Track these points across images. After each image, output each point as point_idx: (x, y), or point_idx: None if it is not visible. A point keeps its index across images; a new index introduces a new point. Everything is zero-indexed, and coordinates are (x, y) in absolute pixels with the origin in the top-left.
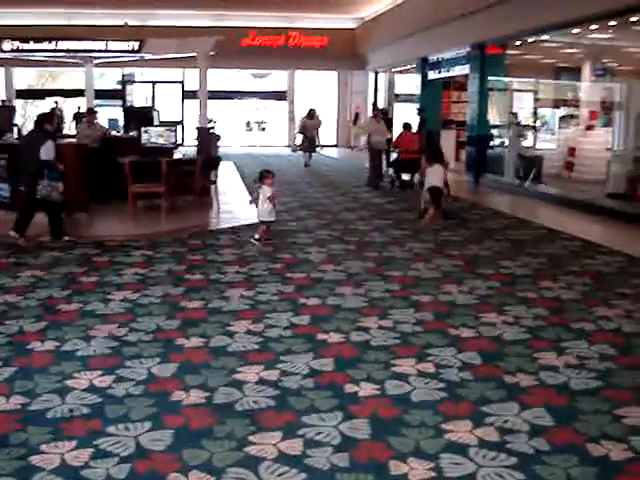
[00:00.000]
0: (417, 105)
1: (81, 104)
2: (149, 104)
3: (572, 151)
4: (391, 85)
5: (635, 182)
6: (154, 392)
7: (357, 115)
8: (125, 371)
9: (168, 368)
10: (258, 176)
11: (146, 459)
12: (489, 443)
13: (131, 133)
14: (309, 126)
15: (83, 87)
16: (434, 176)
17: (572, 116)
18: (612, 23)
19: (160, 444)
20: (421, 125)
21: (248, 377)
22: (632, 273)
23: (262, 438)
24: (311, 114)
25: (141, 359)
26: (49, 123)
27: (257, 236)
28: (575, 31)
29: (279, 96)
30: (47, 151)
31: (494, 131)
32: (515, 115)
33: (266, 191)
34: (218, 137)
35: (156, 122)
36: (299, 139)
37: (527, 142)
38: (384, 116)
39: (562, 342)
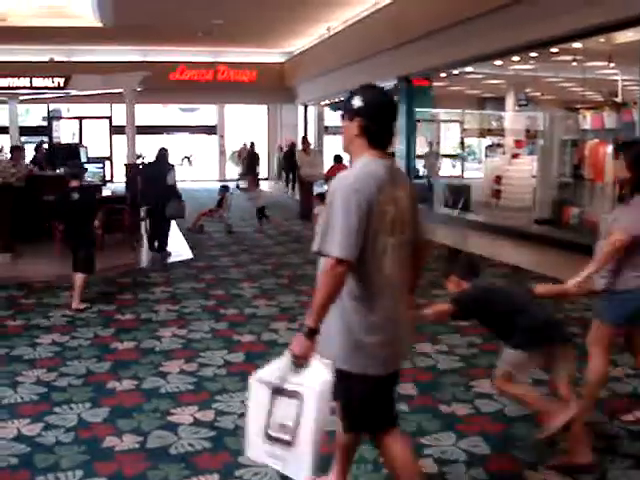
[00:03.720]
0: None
1: (5, 141)
2: (76, 140)
3: (499, 179)
4: (320, 118)
5: (561, 207)
6: (85, 438)
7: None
8: (55, 418)
9: (99, 413)
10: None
11: None
12: (428, 475)
13: (57, 170)
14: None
15: (7, 124)
16: None
17: (498, 145)
18: (533, 54)
19: None
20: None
21: (182, 419)
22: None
23: None
24: (252, 147)
25: (71, 404)
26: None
27: None
28: (498, 63)
29: (209, 130)
30: (173, 177)
31: (421, 161)
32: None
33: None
34: None
35: (84, 159)
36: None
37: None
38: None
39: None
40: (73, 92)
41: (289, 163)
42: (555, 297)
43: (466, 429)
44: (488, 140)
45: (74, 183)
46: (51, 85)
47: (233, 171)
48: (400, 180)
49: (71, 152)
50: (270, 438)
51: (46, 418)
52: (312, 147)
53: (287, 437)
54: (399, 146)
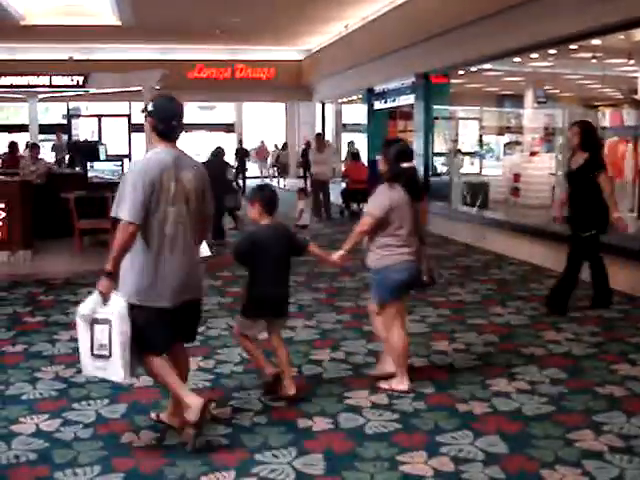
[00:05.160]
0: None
1: (25, 139)
2: (95, 138)
3: (517, 177)
4: (338, 115)
5: None
6: (103, 434)
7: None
8: (73, 413)
9: (117, 409)
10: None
11: None
12: (445, 473)
13: (77, 168)
14: (283, 156)
15: (27, 122)
16: None
17: (517, 142)
18: (552, 51)
19: None
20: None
21: None
22: (580, 296)
23: (214, 479)
24: (284, 147)
25: (89, 400)
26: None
27: None
28: (516, 60)
29: (227, 128)
30: (230, 172)
31: (440, 159)
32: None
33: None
34: None
35: (103, 156)
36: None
37: (471, 169)
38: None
39: (513, 367)
40: (92, 90)
41: (305, 161)
42: (320, 260)
43: (483, 428)
44: (506, 138)
45: None
46: (70, 83)
47: (252, 168)
48: (187, 165)
49: (91, 150)
50: (95, 356)
51: (64, 414)
52: (330, 145)
53: (105, 352)
54: (417, 144)
